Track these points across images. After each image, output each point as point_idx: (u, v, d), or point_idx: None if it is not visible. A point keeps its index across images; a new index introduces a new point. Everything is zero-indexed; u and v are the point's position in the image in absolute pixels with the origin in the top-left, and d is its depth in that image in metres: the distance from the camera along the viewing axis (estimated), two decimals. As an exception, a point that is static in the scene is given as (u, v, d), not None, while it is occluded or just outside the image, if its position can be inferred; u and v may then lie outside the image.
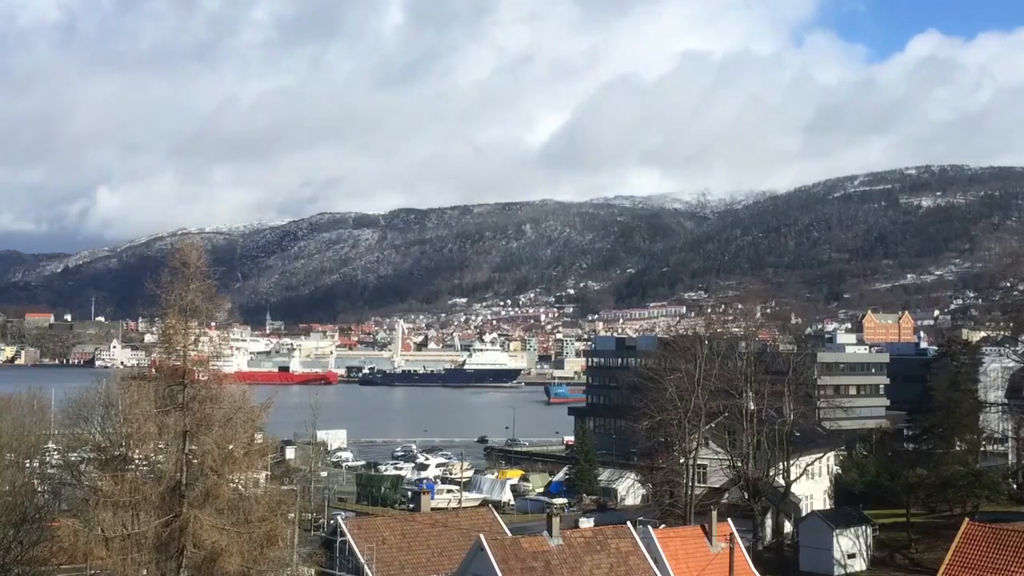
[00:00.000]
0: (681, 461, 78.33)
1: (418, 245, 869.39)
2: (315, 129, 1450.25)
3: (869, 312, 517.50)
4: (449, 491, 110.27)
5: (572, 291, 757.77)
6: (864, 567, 71.62)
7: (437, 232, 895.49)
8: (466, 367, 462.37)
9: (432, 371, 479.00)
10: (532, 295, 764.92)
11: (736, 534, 56.03)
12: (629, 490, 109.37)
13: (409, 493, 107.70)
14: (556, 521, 51.03)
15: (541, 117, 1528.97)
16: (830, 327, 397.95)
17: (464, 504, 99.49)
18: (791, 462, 78.97)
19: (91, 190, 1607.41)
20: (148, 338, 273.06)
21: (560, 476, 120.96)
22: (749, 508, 75.32)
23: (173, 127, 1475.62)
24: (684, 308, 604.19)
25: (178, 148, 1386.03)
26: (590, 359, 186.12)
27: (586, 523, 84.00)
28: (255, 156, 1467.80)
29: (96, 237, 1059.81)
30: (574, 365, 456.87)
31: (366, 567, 55.97)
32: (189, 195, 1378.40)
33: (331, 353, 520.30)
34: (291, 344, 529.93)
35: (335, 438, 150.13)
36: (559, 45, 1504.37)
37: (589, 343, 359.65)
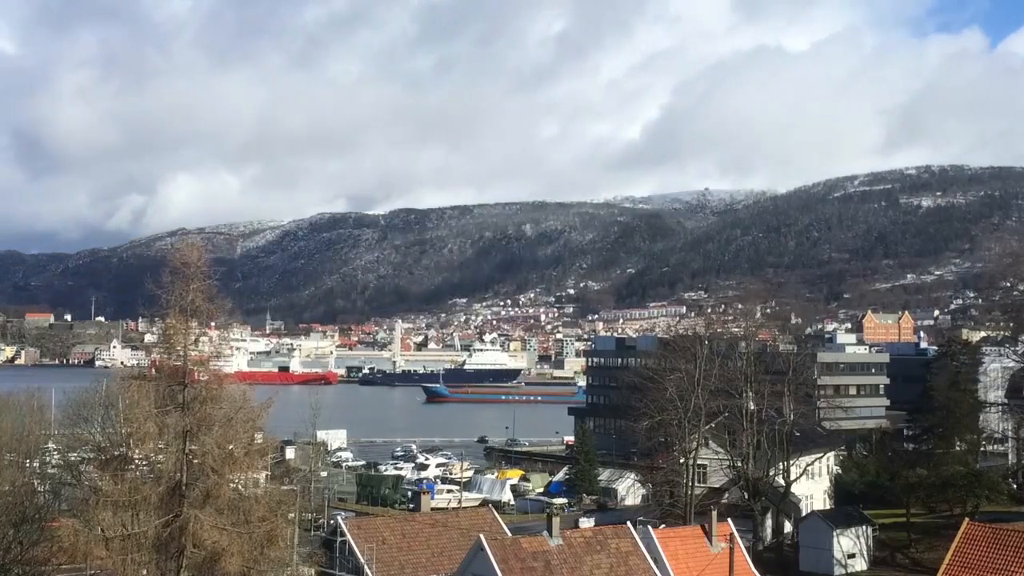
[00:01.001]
0: (681, 461, 78.29)
1: (418, 245, 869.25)
2: (418, 126, 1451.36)
3: (869, 312, 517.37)
4: (449, 491, 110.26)
5: (572, 291, 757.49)
6: (864, 567, 71.60)
7: (437, 232, 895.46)
8: (466, 367, 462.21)
9: (432, 371, 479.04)
10: (532, 295, 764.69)
11: (736, 534, 56.04)
12: (629, 490, 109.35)
13: (409, 493, 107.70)
14: (556, 521, 51.04)
15: (651, 115, 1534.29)
16: (830, 327, 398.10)
17: (464, 504, 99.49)
18: (791, 462, 78.97)
19: (153, 186, 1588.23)
20: (148, 338, 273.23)
21: (560, 476, 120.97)
22: (749, 508, 75.30)
23: (279, 123, 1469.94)
24: (684, 308, 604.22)
25: (270, 143, 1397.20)
26: (590, 359, 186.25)
27: (586, 523, 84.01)
28: (339, 151, 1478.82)
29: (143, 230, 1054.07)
30: (574, 365, 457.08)
31: (366, 567, 55.98)
32: (266, 191, 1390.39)
33: (331, 353, 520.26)
34: (291, 344, 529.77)
35: (335, 438, 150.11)
36: (701, 47, 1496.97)
37: (589, 343, 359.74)
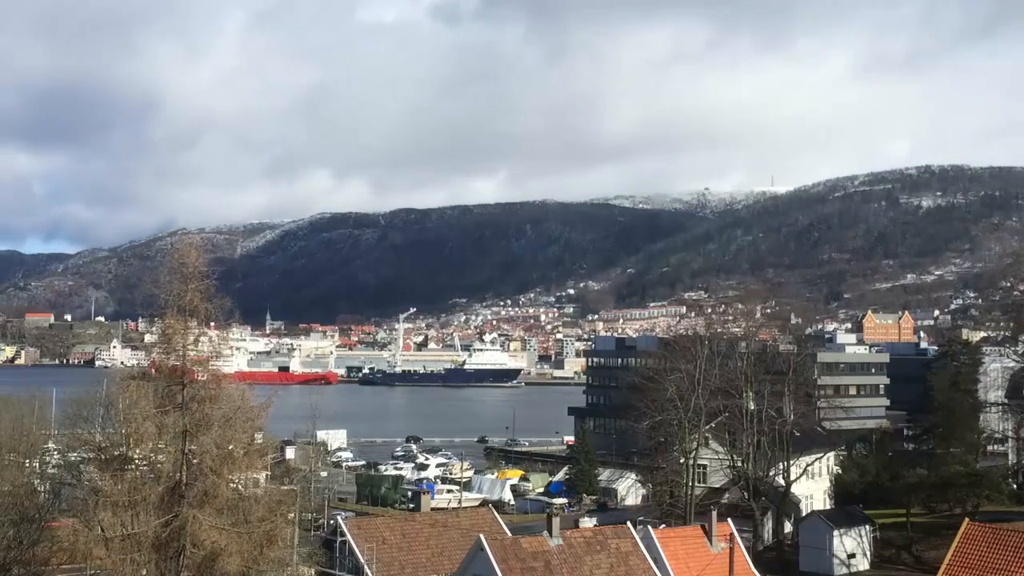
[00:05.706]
0: (681, 461, 78.28)
1: (418, 245, 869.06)
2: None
3: (869, 312, 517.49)
4: (449, 491, 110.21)
5: (572, 291, 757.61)
6: (865, 567, 71.59)
7: (437, 232, 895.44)
8: (466, 367, 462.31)
9: (432, 371, 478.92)
10: (532, 295, 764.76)
11: (736, 534, 56.02)
12: (629, 490, 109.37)
13: (409, 493, 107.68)
14: (556, 521, 50.98)
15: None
16: (830, 327, 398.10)
17: (464, 504, 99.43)
18: (791, 462, 78.95)
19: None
20: (148, 338, 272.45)
21: (560, 476, 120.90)
22: (749, 508, 75.23)
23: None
24: (684, 308, 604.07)
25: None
26: (590, 359, 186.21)
27: (586, 523, 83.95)
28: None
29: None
30: (574, 365, 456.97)
31: (366, 567, 55.95)
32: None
33: (331, 353, 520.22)
34: (291, 344, 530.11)
35: (335, 438, 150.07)
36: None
37: (589, 343, 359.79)
